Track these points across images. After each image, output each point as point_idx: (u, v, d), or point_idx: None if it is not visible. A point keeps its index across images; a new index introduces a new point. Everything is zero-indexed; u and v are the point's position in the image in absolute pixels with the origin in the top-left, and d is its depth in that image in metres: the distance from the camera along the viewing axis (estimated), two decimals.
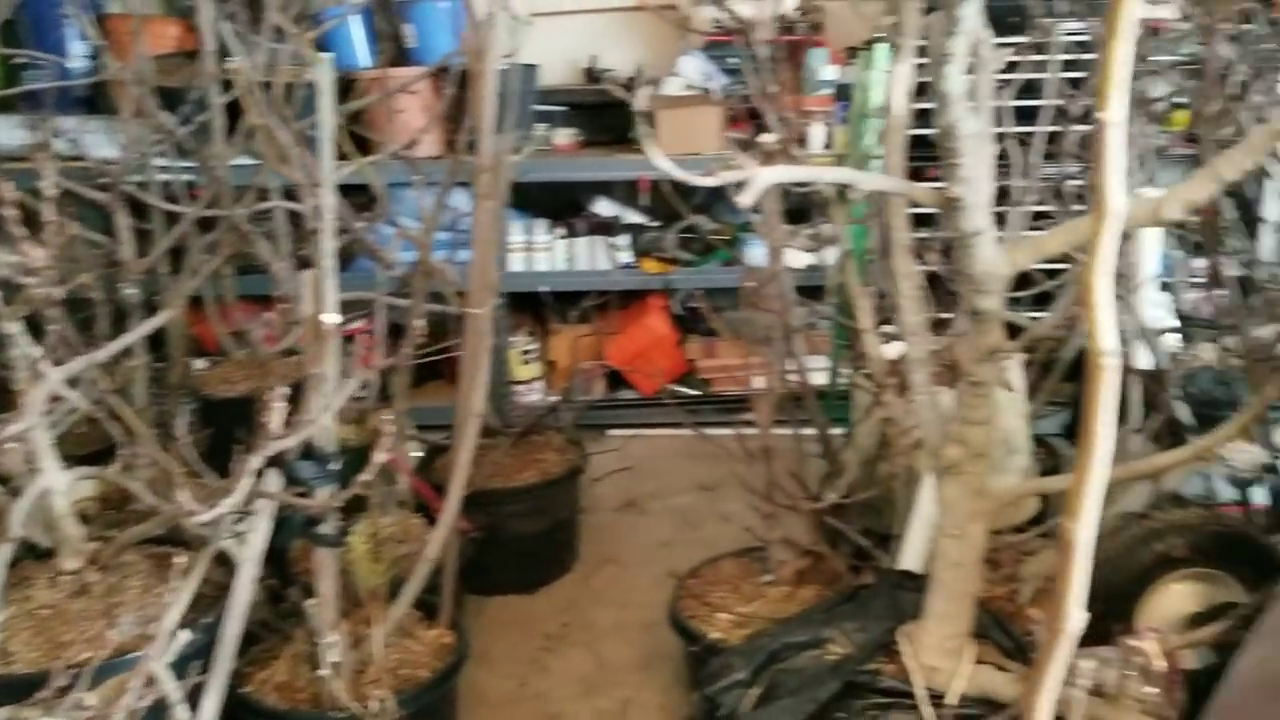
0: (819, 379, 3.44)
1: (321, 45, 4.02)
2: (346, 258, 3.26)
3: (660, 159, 1.38)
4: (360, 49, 3.96)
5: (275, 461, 2.03)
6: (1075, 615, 1.03)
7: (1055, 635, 1.05)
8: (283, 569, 2.40)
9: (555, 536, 3.44)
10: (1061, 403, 3.38)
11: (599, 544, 3.64)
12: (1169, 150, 4.37)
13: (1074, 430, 3.21)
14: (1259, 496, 2.23)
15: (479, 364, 2.39)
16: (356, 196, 2.85)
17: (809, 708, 1.86)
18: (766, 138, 2.12)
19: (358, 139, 3.03)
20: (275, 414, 1.67)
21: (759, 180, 1.34)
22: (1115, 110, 0.85)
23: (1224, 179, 1.35)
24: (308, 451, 2.03)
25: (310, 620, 2.27)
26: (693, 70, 3.98)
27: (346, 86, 3.88)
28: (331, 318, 1.81)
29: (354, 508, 2.77)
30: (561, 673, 2.99)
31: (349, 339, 3.67)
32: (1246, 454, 1.91)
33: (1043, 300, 3.08)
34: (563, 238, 4.29)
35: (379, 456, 1.73)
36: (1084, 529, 1.01)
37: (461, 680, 2.67)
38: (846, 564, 2.62)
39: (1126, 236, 2.87)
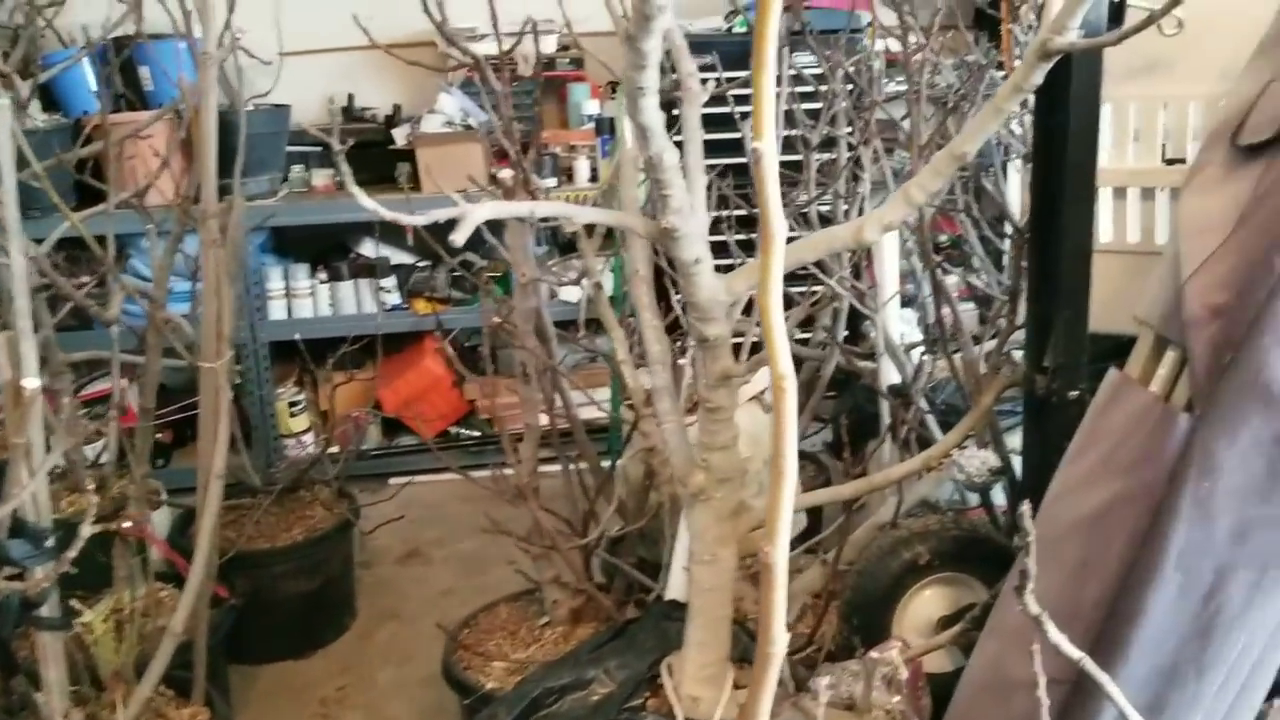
0: (597, 412, 3.44)
1: (48, 91, 3.82)
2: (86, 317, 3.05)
3: (364, 199, 1.33)
4: (91, 93, 3.74)
5: None
6: (779, 638, 1.03)
7: (763, 659, 1.04)
8: (6, 657, 2.19)
9: (328, 595, 3.29)
10: (825, 420, 3.49)
11: (378, 598, 3.51)
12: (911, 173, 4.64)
13: (838, 446, 3.31)
14: (999, 498, 2.34)
15: (218, 421, 2.26)
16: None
17: None
18: (504, 173, 2.09)
19: (88, 188, 2.85)
20: None
21: (471, 217, 1.31)
22: (768, 141, 0.85)
23: (915, 201, 1.40)
24: (18, 528, 1.86)
25: (39, 711, 2.09)
26: (452, 107, 3.93)
27: (77, 133, 3.67)
28: (32, 382, 1.66)
29: (100, 582, 2.58)
30: None
31: (91, 402, 3.47)
32: (976, 459, 1.99)
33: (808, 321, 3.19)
34: (325, 282, 4.15)
35: (87, 529, 1.60)
36: (780, 552, 1.01)
37: None
38: (621, 598, 2.60)
39: (869, 254, 3.00)
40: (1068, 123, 1.48)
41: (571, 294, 4.17)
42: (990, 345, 2.23)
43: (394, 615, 3.43)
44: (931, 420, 2.75)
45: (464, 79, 3.95)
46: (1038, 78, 1.30)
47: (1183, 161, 1.60)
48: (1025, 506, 1.07)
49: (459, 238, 1.30)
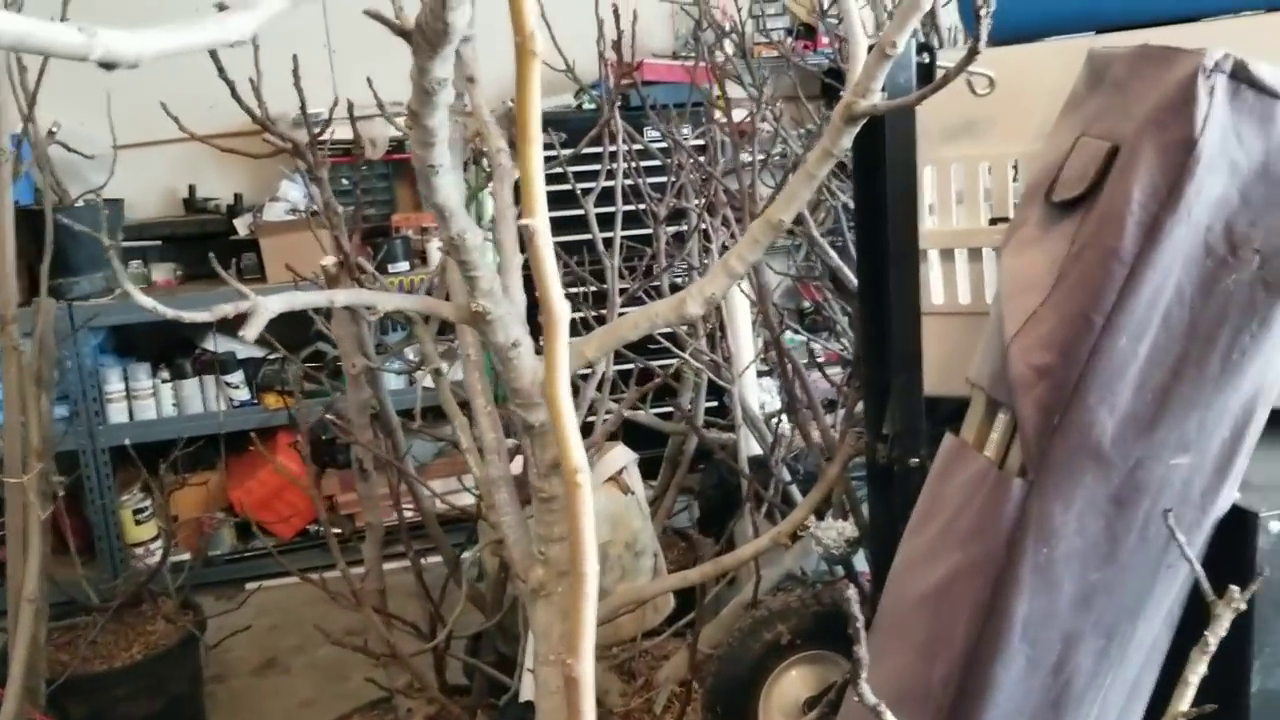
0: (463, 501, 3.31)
1: None
2: None
3: (140, 296, 1.22)
4: None
5: None
6: None
7: None
8: None
9: (174, 715, 3.06)
10: (692, 493, 3.42)
11: (232, 714, 3.30)
12: (776, 242, 4.66)
13: (706, 521, 3.25)
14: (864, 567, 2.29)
15: (29, 541, 2.08)
16: None
17: None
18: (327, 261, 1.99)
19: None
20: None
21: (261, 312, 1.21)
22: (540, 217, 0.78)
23: (735, 272, 1.35)
24: None
25: None
26: (296, 194, 3.81)
27: None
28: None
29: None
30: None
31: None
32: (833, 530, 1.94)
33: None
34: (168, 381, 3.95)
35: None
36: (584, 666, 0.92)
37: None
38: (479, 700, 2.47)
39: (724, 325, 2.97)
40: (886, 186, 1.45)
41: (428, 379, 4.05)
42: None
43: None
44: (796, 490, 2.70)
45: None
46: (846, 141, 1.27)
47: (1006, 220, 1.59)
48: (851, 591, 1.00)
49: (249, 334, 1.20)
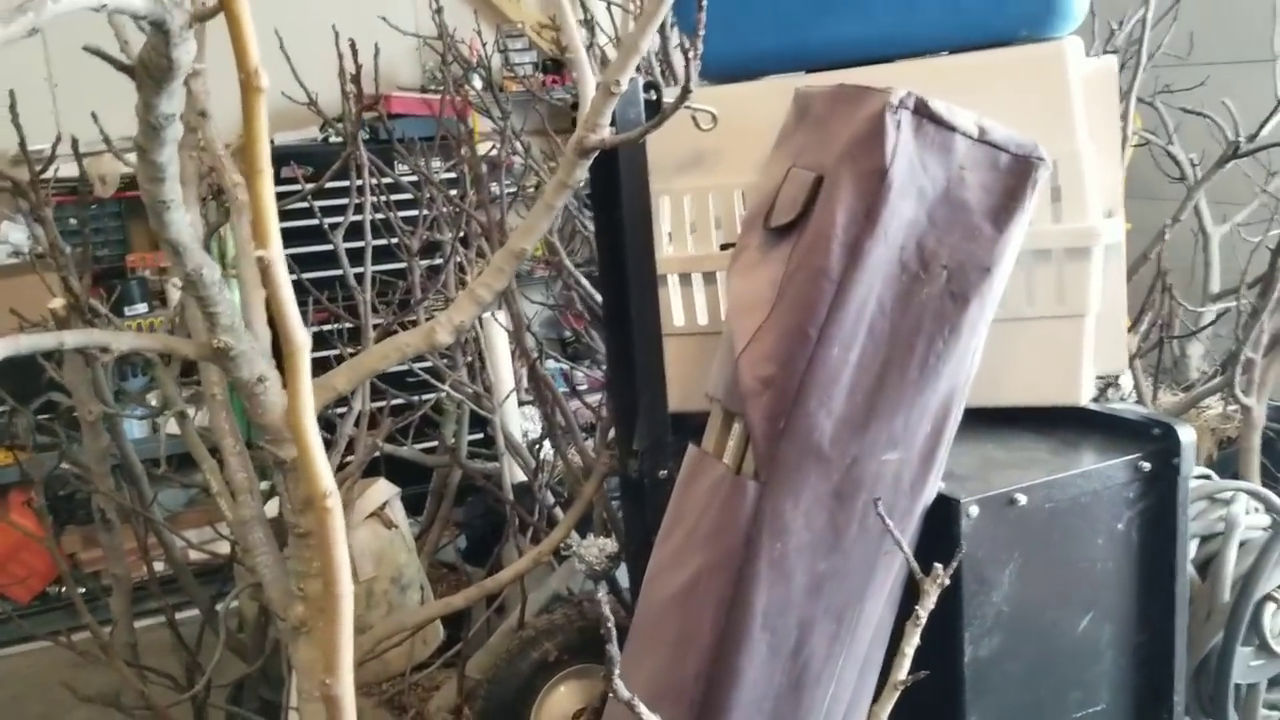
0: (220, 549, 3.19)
1: None
2: None
3: None
4: None
5: None
6: None
7: None
8: None
9: None
10: (461, 524, 3.43)
11: None
12: (534, 273, 4.74)
13: (473, 551, 3.26)
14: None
15: None
16: None
17: None
18: (54, 303, 1.91)
19: None
20: None
21: None
22: (274, 248, 0.81)
23: (482, 300, 1.40)
24: None
25: None
26: (19, 235, 3.59)
27: None
28: None
29: None
30: None
31: None
32: (595, 547, 2.00)
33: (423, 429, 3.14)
34: None
35: None
36: (343, 685, 0.94)
37: None
38: None
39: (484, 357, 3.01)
40: (622, 215, 1.54)
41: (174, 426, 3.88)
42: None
43: None
44: (560, 513, 2.76)
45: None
46: (580, 173, 1.35)
47: (735, 246, 1.71)
48: (602, 593, 1.07)
49: None
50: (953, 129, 1.36)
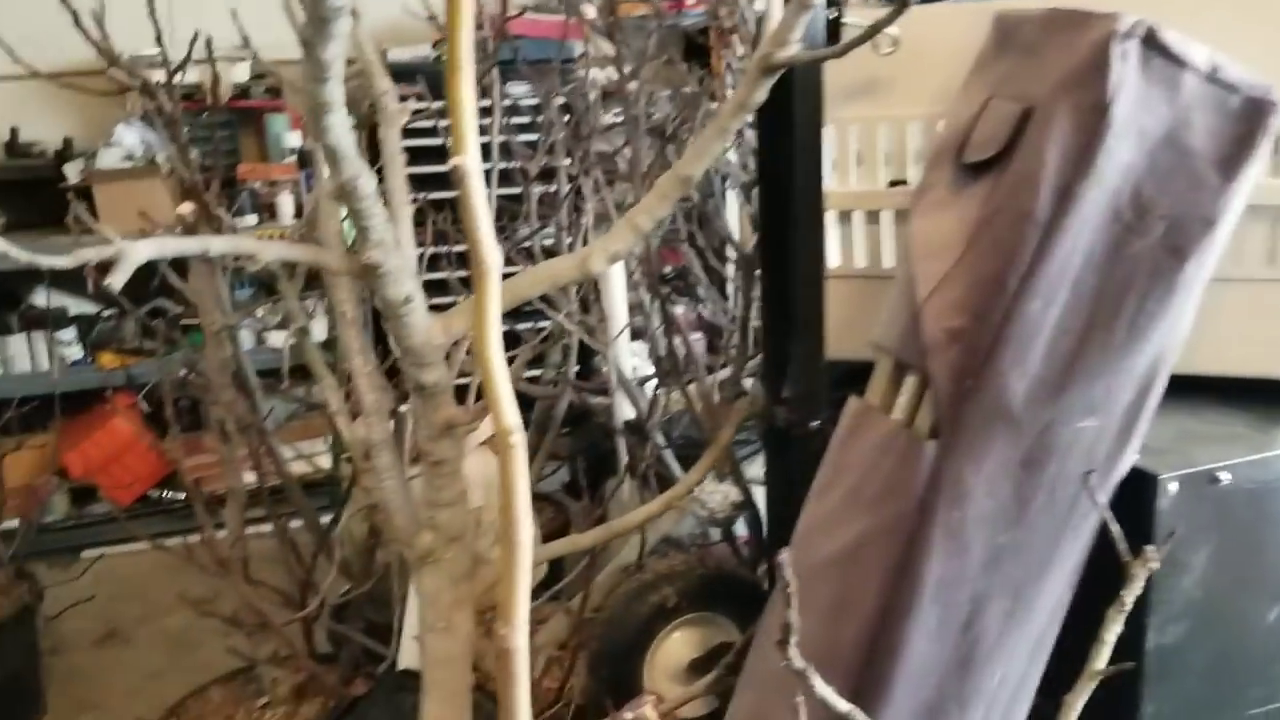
0: (321, 464, 3.18)
1: None
2: None
3: None
4: None
5: None
6: None
7: None
8: None
9: (9, 691, 2.86)
10: (562, 459, 3.37)
11: (73, 688, 3.10)
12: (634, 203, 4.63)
13: (576, 485, 3.20)
14: (741, 531, 2.29)
15: None
16: None
17: None
18: (184, 208, 1.86)
19: None
20: None
21: (129, 257, 1.10)
22: (472, 155, 0.72)
23: (641, 229, 1.30)
24: None
25: None
26: (132, 139, 3.56)
27: None
28: None
29: None
30: None
31: None
32: (718, 494, 1.92)
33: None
34: None
35: None
36: (519, 635, 0.87)
37: None
38: (350, 670, 2.37)
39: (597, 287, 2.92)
40: (793, 144, 1.43)
41: (279, 340, 3.87)
42: (724, 375, 2.18)
43: (93, 706, 3.03)
44: (669, 455, 2.68)
45: (144, 110, 3.60)
46: (761, 94, 1.23)
47: (904, 183, 1.59)
48: (785, 554, 0.97)
49: (116, 281, 1.10)
50: (1183, 64, 1.22)
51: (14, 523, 3.17)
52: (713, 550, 2.33)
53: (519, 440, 0.84)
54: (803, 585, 1.39)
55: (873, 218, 1.61)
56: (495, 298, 0.81)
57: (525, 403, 3.02)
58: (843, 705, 1.06)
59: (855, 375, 1.49)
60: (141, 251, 1.13)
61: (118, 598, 3.48)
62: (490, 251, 0.79)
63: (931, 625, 1.25)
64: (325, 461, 3.20)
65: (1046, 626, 1.30)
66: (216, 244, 1.18)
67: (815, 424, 1.51)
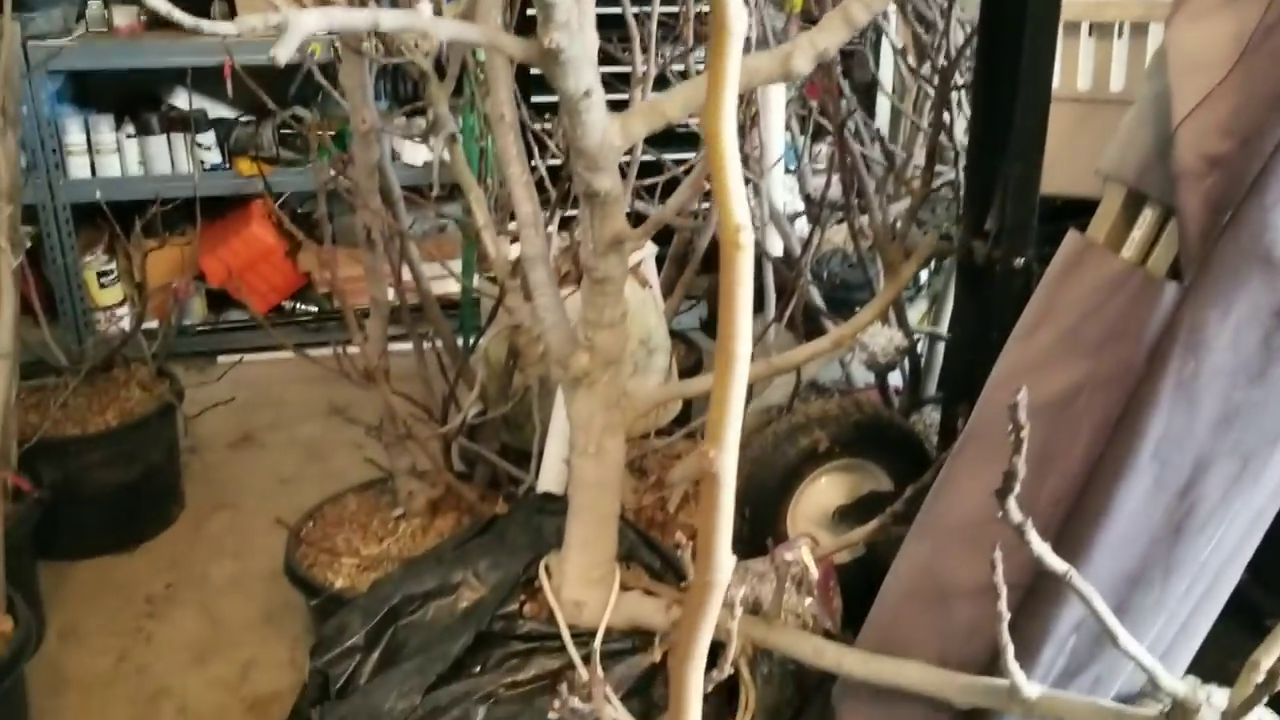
0: (451, 286, 3.15)
1: None
2: None
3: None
4: None
5: None
6: (724, 563, 0.81)
7: (702, 588, 0.82)
8: None
9: (151, 484, 2.96)
10: (698, 296, 3.28)
11: (209, 487, 3.19)
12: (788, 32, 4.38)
13: (713, 325, 3.11)
14: (895, 379, 2.18)
15: (1, 291, 1.89)
16: None
17: (438, 667, 1.59)
18: None
19: None
20: None
21: (296, 27, 1.00)
22: None
23: (855, 22, 1.16)
24: None
25: None
26: None
27: None
28: None
29: None
30: (168, 640, 2.58)
31: None
32: (883, 336, 1.81)
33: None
34: (133, 136, 3.66)
35: None
36: (728, 458, 0.78)
37: (40, 665, 2.24)
38: (484, 489, 2.37)
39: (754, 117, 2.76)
40: None
41: (415, 156, 3.80)
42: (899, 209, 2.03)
43: (227, 505, 3.12)
44: (816, 294, 2.56)
45: None
46: None
47: None
48: (1022, 395, 0.86)
49: (282, 54, 1.00)
50: None
51: (153, 324, 3.22)
52: (863, 396, 2.23)
53: (747, 240, 0.73)
54: (999, 435, 1.27)
55: (1104, 31, 1.43)
56: (735, 64, 0.69)
57: (664, 234, 2.89)
58: (1059, 564, 0.97)
59: (1059, 213, 1.35)
60: (309, 22, 1.03)
61: (252, 404, 3.55)
62: (735, 12, 0.67)
63: (1147, 485, 1.13)
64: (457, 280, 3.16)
65: (1269, 500, 1.17)
66: (387, 18, 1.08)
67: (1020, 261, 1.37)
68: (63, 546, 2.75)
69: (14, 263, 1.95)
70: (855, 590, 1.57)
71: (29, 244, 3.30)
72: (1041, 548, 0.95)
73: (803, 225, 2.75)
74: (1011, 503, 0.92)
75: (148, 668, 2.50)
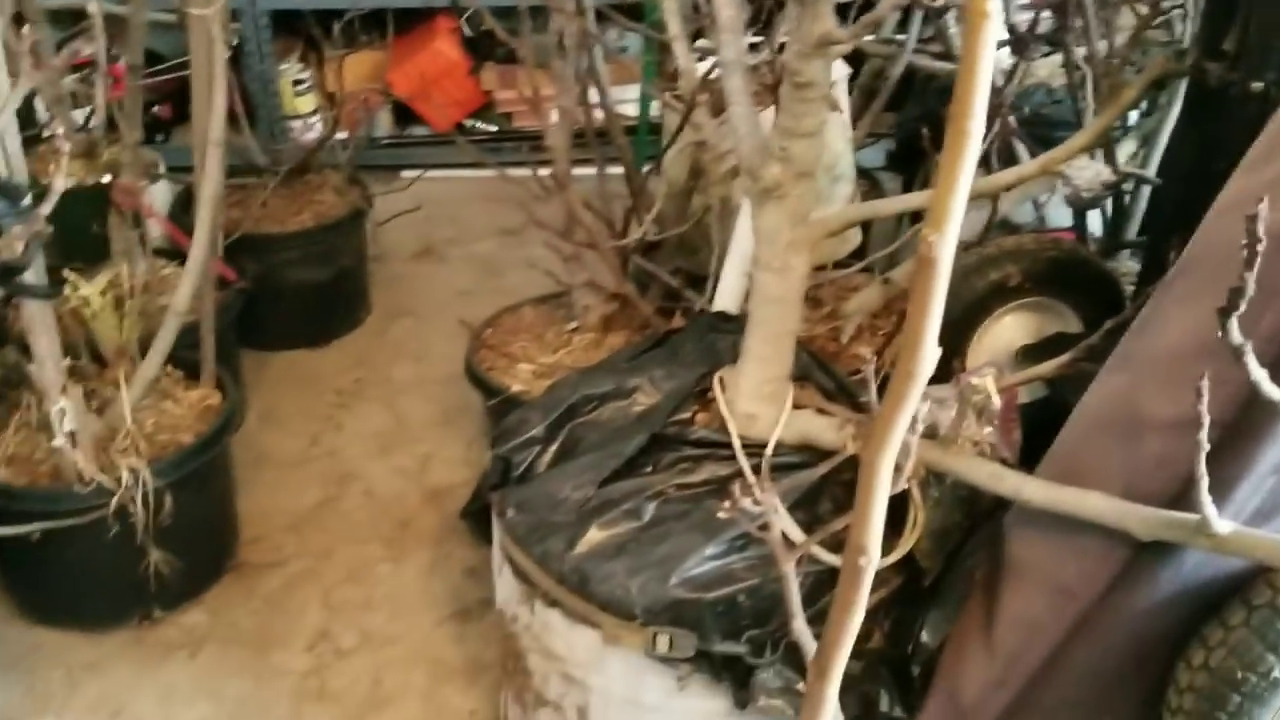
0: (628, 111, 3.13)
1: None
2: None
3: None
4: None
5: None
6: (930, 356, 0.80)
7: (907, 377, 0.82)
8: None
9: (342, 286, 3.11)
10: (884, 134, 3.17)
11: (393, 294, 3.33)
12: None
13: (899, 161, 3.02)
14: (1092, 221, 2.09)
15: (213, 79, 1.97)
16: None
17: (613, 463, 1.66)
18: None
19: None
20: None
21: None
22: None
23: None
24: None
25: (34, 384, 1.93)
26: None
27: None
28: None
29: (96, 256, 2.39)
30: (355, 430, 2.76)
31: (78, 67, 3.13)
32: (1090, 170, 1.72)
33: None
34: None
35: (61, 181, 1.36)
36: (946, 244, 0.77)
37: (242, 441, 2.43)
38: (656, 307, 2.40)
39: None
40: None
41: None
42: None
43: (409, 312, 3.26)
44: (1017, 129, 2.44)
45: None
46: None
47: None
48: (1263, 207, 0.81)
49: None
50: None
51: (342, 135, 3.31)
52: (1057, 235, 2.14)
53: (994, 9, 0.69)
54: (1217, 265, 1.22)
55: None
56: None
57: (855, 58, 2.74)
58: (1274, 391, 0.93)
59: None
60: None
61: (433, 219, 3.66)
62: None
63: None
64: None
65: None
66: None
67: (1259, 85, 1.28)
68: (263, 338, 2.93)
69: (225, 54, 2.02)
70: (1033, 432, 1.55)
71: (235, 40, 3.43)
72: (1259, 373, 0.92)
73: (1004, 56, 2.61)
74: (1233, 323, 0.89)
75: (338, 452, 2.68)
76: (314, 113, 3.89)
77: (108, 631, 2.13)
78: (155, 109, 3.68)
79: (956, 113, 0.76)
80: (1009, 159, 2.25)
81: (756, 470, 1.59)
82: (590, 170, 2.45)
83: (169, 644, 2.12)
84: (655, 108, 3.08)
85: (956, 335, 1.86)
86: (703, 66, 2.20)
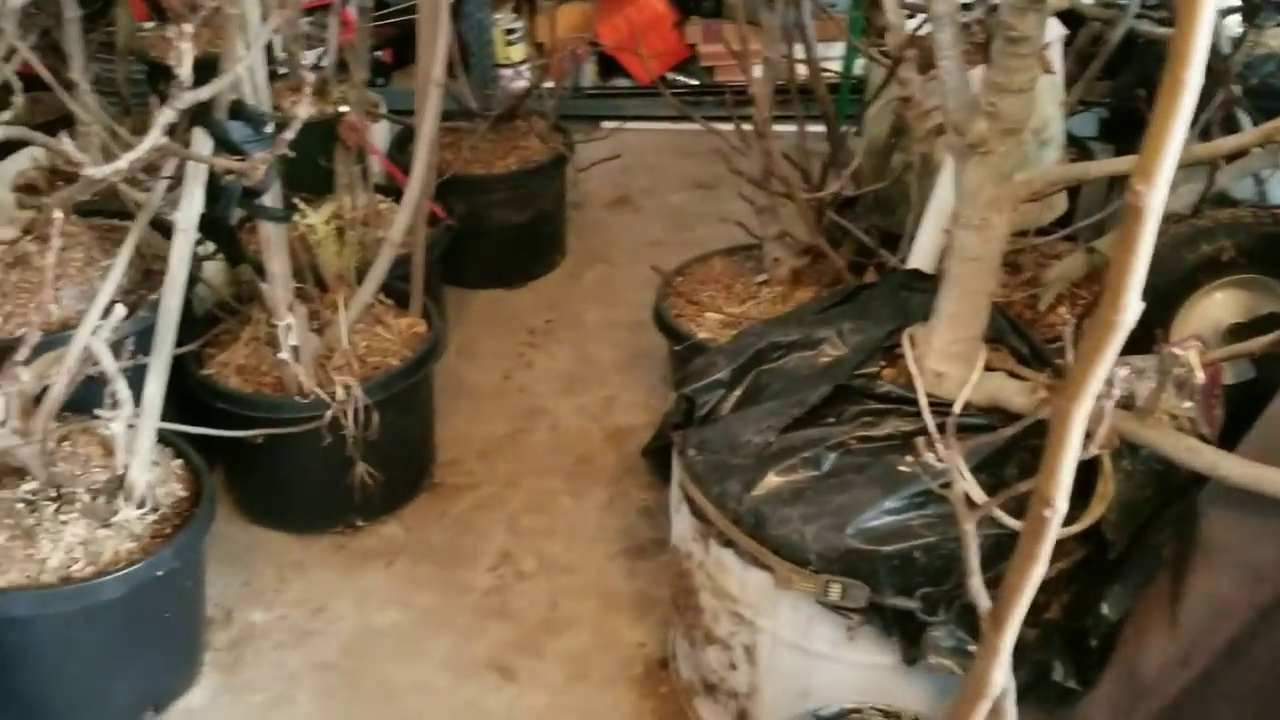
0: (833, 68, 3.12)
1: None
2: None
3: None
4: None
5: (201, 120, 1.78)
6: (1132, 303, 0.80)
7: (1107, 326, 0.82)
8: (233, 247, 2.20)
9: (540, 230, 3.22)
10: (1097, 102, 3.05)
11: (588, 240, 3.43)
12: None
13: (1111, 130, 2.91)
14: None
15: (436, 23, 2.07)
16: None
17: (795, 411, 1.68)
18: None
19: None
20: (183, 57, 1.39)
21: None
22: None
23: None
24: (237, 111, 1.76)
25: (265, 301, 2.10)
26: None
27: None
28: None
29: (320, 188, 2.55)
30: (545, 368, 2.87)
31: (310, 11, 3.32)
32: None
33: None
34: None
35: (304, 109, 1.47)
36: (1156, 194, 0.77)
37: (443, 371, 2.57)
38: (848, 263, 2.40)
39: None
40: None
41: None
42: None
43: (602, 259, 3.35)
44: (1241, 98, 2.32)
45: None
46: None
47: None
48: None
49: None
50: None
51: (548, 85, 3.41)
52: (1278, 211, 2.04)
53: None
54: None
55: None
56: None
57: (1072, 21, 2.65)
58: None
59: None
60: None
61: (630, 169, 3.73)
62: None
63: None
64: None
65: None
66: None
67: None
68: (465, 275, 3.07)
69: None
70: (1237, 414, 1.49)
71: None
72: None
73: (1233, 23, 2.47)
74: None
75: (528, 388, 2.80)
76: (523, 62, 4.01)
77: (315, 535, 2.30)
78: (378, 53, 3.87)
79: (1173, 60, 0.75)
80: (1231, 131, 2.14)
81: (941, 429, 1.58)
82: (790, 127, 2.47)
83: (368, 552, 2.28)
84: (859, 65, 3.06)
85: (1162, 308, 1.80)
86: (911, 23, 2.18)
